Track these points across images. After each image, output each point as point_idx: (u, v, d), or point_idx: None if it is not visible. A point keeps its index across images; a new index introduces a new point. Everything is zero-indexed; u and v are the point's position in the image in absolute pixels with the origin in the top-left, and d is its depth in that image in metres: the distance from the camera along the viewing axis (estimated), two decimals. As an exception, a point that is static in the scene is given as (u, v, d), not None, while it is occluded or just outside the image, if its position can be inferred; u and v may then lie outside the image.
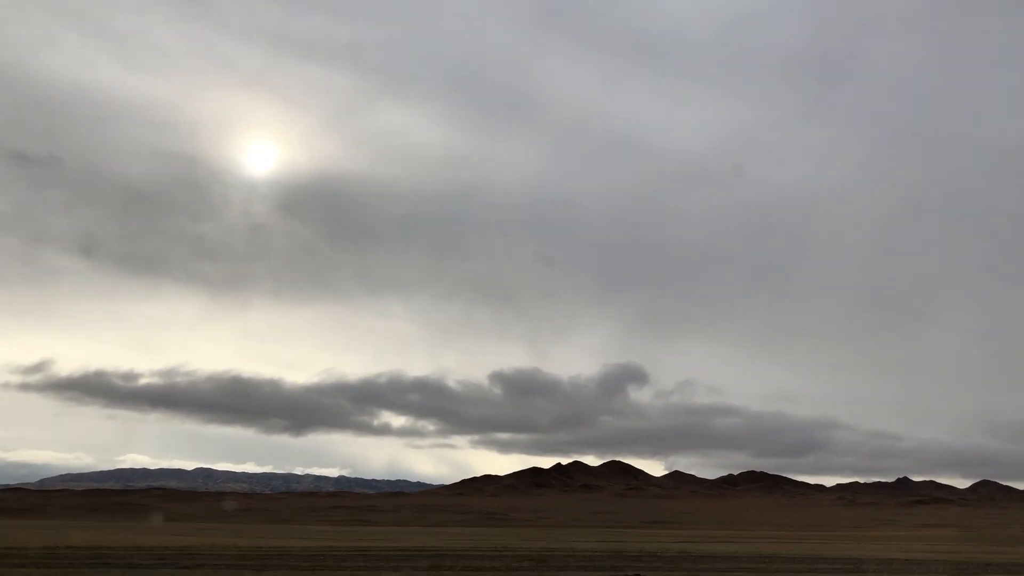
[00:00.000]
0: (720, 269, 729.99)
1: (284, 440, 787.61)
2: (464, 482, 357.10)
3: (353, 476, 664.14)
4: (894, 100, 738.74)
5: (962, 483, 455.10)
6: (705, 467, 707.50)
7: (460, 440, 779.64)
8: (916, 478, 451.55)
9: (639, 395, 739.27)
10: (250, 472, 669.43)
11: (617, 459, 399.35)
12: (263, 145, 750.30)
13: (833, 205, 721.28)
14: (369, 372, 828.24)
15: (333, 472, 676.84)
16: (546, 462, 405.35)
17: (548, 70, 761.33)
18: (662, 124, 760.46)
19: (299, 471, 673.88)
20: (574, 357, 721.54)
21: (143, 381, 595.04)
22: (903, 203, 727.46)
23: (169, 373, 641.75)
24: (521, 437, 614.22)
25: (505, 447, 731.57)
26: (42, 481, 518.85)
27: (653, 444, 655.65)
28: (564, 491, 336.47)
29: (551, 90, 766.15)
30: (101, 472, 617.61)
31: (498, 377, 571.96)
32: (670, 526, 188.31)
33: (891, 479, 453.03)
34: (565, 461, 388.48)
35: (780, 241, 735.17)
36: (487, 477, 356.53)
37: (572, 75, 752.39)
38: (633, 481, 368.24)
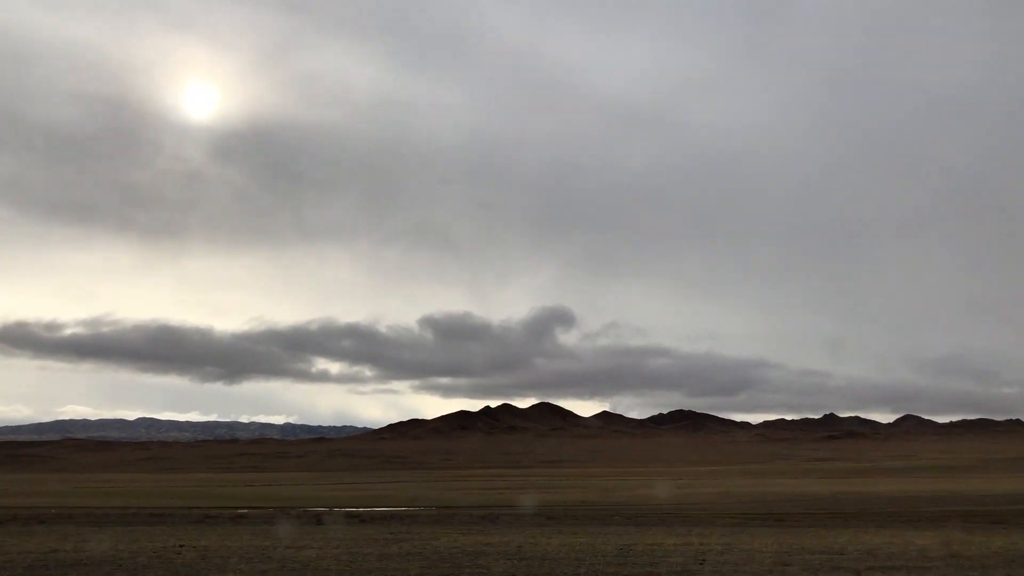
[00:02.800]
0: (655, 212, 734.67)
1: (224, 388, 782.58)
2: (391, 426, 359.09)
3: (299, 423, 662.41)
4: (828, 44, 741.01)
5: (888, 418, 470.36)
6: (645, 407, 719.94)
7: (400, 385, 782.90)
8: (843, 414, 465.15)
9: (566, 337, 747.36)
10: (194, 421, 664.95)
11: (547, 401, 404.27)
12: (194, 89, 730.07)
13: (767, 148, 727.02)
14: (300, 319, 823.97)
15: (279, 419, 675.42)
16: (480, 405, 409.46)
17: (483, 11, 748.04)
18: (598, 67, 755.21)
19: (244, 419, 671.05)
20: (510, 301, 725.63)
21: (68, 331, 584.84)
22: (835, 146, 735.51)
23: (94, 323, 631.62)
24: (462, 381, 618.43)
25: (447, 391, 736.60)
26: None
27: (591, 386, 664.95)
28: (489, 433, 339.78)
29: (486, 32, 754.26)
30: (40, 424, 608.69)
31: (428, 322, 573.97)
32: (566, 466, 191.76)
33: (818, 415, 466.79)
34: (495, 404, 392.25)
35: (714, 184, 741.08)
36: (414, 421, 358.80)
37: (507, 17, 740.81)
38: (561, 423, 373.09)
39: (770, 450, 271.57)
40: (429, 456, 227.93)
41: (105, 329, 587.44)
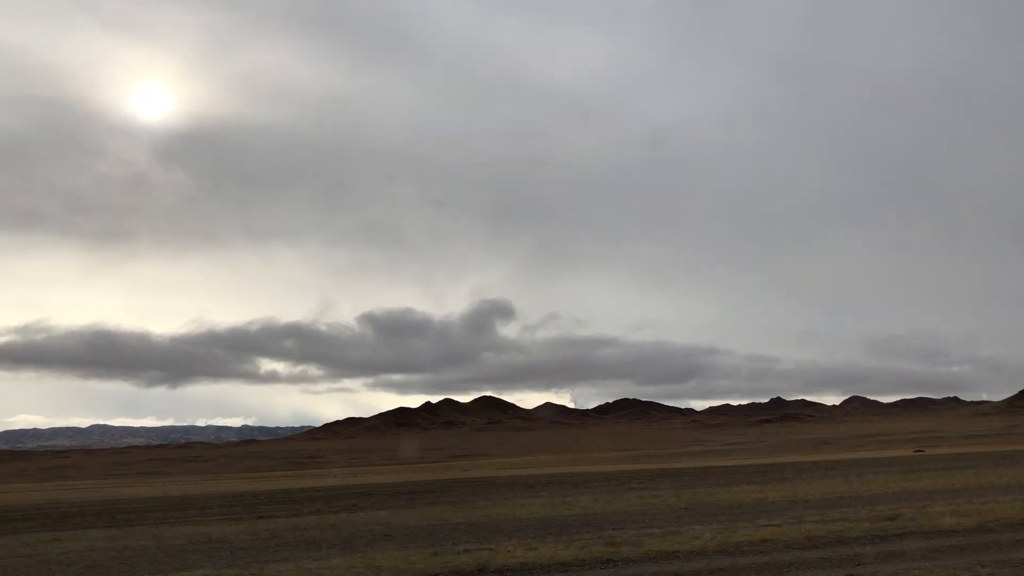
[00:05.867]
0: (603, 204, 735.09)
1: (178, 393, 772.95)
2: (327, 426, 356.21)
3: (257, 425, 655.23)
4: (773, 34, 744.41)
5: (835, 400, 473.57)
6: (603, 397, 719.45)
7: (354, 383, 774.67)
8: (791, 397, 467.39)
9: (507, 330, 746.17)
10: (149, 426, 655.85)
11: (489, 394, 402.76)
12: (133, 90, 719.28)
13: (715, 136, 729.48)
14: (240, 320, 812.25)
15: (236, 422, 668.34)
16: (423, 401, 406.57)
17: (428, 4, 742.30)
18: (545, 60, 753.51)
19: (201, 423, 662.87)
20: (459, 297, 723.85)
21: (1, 340, 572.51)
22: (779, 134, 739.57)
23: (26, 330, 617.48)
24: (416, 378, 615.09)
25: (402, 388, 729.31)
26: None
27: (546, 378, 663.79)
28: (426, 429, 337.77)
29: (432, 26, 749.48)
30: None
31: (368, 319, 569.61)
32: (473, 458, 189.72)
33: (766, 399, 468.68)
34: (436, 399, 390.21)
35: (663, 173, 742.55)
36: (351, 420, 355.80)
37: (454, 10, 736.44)
38: (501, 415, 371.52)
39: (696, 436, 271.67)
40: (341, 455, 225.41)
41: (39, 336, 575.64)
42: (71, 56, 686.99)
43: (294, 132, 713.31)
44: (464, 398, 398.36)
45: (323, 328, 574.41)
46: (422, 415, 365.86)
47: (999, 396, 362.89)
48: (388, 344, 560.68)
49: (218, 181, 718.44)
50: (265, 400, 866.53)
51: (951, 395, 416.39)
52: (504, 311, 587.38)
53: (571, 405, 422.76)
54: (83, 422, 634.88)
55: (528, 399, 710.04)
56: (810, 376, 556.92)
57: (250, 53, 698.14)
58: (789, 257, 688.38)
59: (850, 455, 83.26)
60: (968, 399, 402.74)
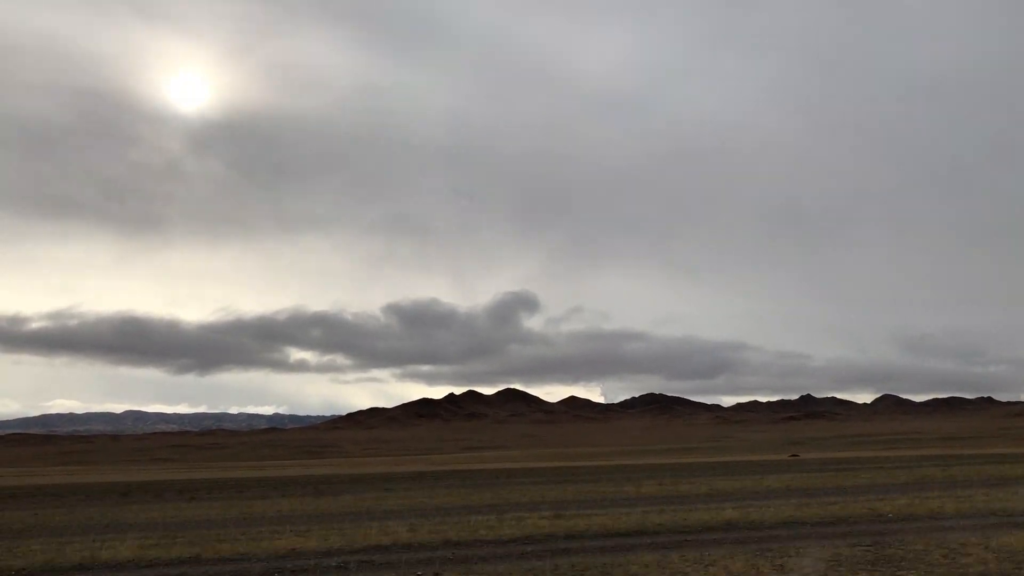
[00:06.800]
0: (633, 198, 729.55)
1: (211, 380, 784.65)
2: (350, 415, 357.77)
3: (288, 413, 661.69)
4: (807, 29, 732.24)
5: (867, 398, 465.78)
6: (631, 391, 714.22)
7: (382, 373, 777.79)
8: (821, 395, 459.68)
9: (531, 322, 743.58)
10: (182, 413, 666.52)
11: (513, 387, 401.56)
12: (169, 79, 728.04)
13: (746, 132, 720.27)
14: (268, 309, 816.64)
15: (268, 410, 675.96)
16: (449, 392, 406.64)
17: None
18: (578, 54, 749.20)
19: (233, 410, 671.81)
20: (486, 289, 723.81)
21: (34, 325, 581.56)
22: (814, 129, 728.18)
23: (58, 315, 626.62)
24: (444, 369, 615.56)
25: (431, 379, 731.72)
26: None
27: (574, 371, 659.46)
28: (447, 420, 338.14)
29: (465, 19, 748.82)
30: (27, 418, 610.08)
31: (393, 309, 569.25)
32: (486, 450, 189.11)
33: (795, 397, 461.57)
34: (459, 391, 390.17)
35: (693, 169, 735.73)
36: (373, 410, 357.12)
37: (483, 3, 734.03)
38: (523, 408, 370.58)
39: (717, 432, 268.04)
40: (357, 444, 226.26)
41: (71, 322, 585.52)
42: (108, 45, 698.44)
43: (327, 122, 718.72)
44: (490, 390, 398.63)
45: (349, 318, 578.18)
46: (445, 406, 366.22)
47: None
48: (413, 335, 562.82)
49: (251, 170, 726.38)
50: (297, 389, 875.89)
51: (986, 395, 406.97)
52: (529, 304, 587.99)
53: (601, 399, 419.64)
54: (118, 408, 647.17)
55: (555, 392, 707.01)
56: (841, 374, 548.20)
57: (285, 44, 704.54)
58: (821, 253, 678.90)
59: (732, 458, 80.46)
60: (1004, 400, 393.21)
